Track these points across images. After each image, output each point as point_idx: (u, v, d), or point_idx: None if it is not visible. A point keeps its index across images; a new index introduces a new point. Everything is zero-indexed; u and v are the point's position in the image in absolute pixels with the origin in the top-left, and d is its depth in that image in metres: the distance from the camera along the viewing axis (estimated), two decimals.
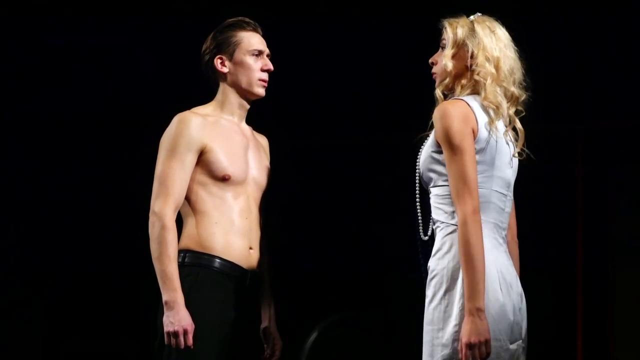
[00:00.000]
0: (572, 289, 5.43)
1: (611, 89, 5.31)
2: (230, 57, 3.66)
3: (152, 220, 3.47)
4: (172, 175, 3.49)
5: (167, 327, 3.41)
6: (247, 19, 3.70)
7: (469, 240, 3.01)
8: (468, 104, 3.13)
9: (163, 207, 3.46)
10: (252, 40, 3.67)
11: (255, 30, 3.70)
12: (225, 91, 3.68)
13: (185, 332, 3.39)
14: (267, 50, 3.70)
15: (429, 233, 3.23)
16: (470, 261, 3.00)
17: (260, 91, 3.68)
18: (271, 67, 3.69)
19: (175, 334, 3.40)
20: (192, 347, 3.40)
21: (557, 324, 5.42)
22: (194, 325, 3.42)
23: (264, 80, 3.67)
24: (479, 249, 3.01)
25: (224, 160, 3.57)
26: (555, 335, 5.40)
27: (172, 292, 3.41)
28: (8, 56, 5.79)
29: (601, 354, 5.44)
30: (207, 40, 3.71)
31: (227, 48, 3.66)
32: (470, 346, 2.99)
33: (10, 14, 5.63)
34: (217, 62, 3.66)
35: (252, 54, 3.66)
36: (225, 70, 3.66)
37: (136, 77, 5.78)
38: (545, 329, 5.33)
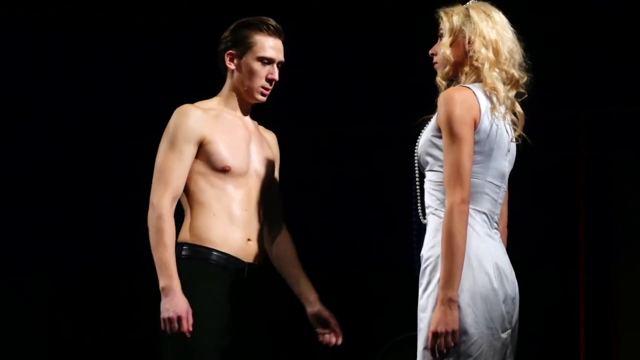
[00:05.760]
0: (574, 276, 5.42)
1: (613, 75, 5.29)
2: (240, 57, 3.61)
3: (150, 211, 3.50)
4: (171, 166, 3.50)
5: (163, 313, 3.44)
6: (270, 21, 3.62)
7: (452, 230, 3.00)
8: (474, 93, 3.11)
9: (160, 198, 3.48)
10: (265, 45, 3.60)
11: (273, 34, 3.61)
12: (230, 86, 3.66)
13: (180, 319, 3.41)
14: (279, 58, 3.62)
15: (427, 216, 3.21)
16: (450, 251, 3.00)
17: (260, 98, 3.65)
18: (276, 77, 3.62)
19: (170, 320, 3.42)
20: (188, 333, 3.42)
21: (560, 313, 5.41)
22: (190, 311, 3.43)
23: (265, 89, 3.63)
24: (460, 240, 3.00)
25: (224, 151, 3.56)
26: (557, 324, 5.40)
27: (168, 278, 3.43)
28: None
29: (604, 347, 5.43)
30: (227, 30, 3.66)
31: (240, 46, 3.61)
32: (436, 335, 2.99)
33: None
34: (227, 57, 3.63)
35: (260, 61, 3.60)
36: (232, 67, 3.63)
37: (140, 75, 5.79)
38: (547, 318, 5.32)
